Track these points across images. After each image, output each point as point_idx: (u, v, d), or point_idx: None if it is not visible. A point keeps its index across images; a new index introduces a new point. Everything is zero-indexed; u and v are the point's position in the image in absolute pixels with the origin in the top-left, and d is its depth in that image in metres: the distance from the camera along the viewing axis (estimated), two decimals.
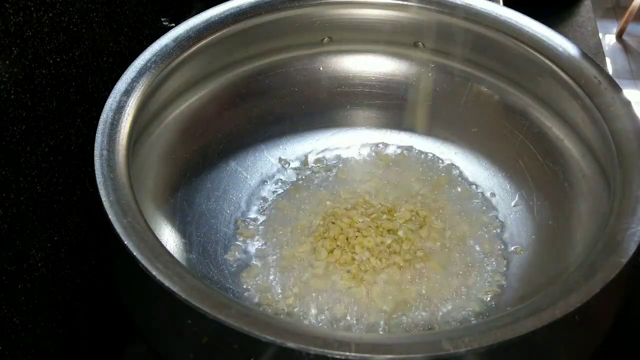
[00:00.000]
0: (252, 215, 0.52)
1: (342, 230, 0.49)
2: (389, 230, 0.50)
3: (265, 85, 0.55)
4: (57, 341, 0.44)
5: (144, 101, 0.42)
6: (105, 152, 0.38)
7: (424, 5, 0.50)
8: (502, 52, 0.50)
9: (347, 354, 0.28)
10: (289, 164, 0.56)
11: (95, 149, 0.38)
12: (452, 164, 0.55)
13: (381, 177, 0.54)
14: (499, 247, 0.49)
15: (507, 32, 0.48)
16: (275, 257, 0.48)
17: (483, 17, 0.49)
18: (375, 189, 0.53)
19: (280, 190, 0.54)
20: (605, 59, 0.73)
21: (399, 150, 0.57)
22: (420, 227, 0.50)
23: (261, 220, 0.51)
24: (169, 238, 0.47)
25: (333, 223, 0.49)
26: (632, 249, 0.34)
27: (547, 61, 0.46)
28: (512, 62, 0.50)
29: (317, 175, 0.55)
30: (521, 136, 0.52)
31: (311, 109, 0.57)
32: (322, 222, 0.50)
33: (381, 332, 0.44)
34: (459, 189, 0.54)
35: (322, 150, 0.57)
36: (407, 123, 0.58)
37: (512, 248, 0.49)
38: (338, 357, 0.29)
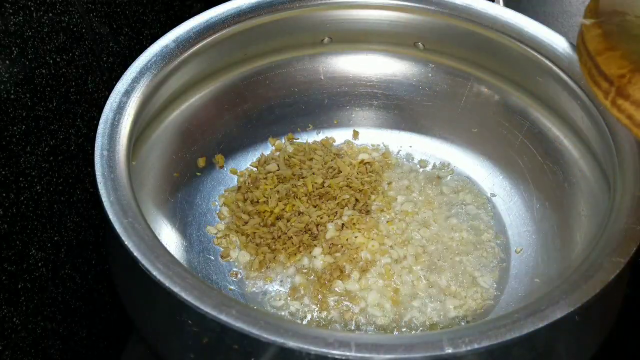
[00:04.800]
0: None
1: (340, 228, 0.49)
2: (388, 230, 0.50)
3: (265, 85, 0.55)
4: (57, 341, 0.44)
5: (144, 101, 0.42)
6: (105, 152, 0.38)
7: (423, 6, 0.50)
8: (502, 52, 0.50)
9: (348, 354, 0.28)
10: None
11: (96, 149, 0.38)
12: (452, 164, 0.56)
13: (381, 177, 0.54)
14: (498, 247, 0.49)
15: (507, 32, 0.48)
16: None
17: (483, 18, 0.49)
18: (375, 189, 0.53)
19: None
20: None
21: (398, 151, 0.57)
22: (420, 227, 0.50)
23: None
24: (169, 238, 0.47)
25: (332, 222, 0.50)
26: (632, 249, 0.34)
27: (547, 61, 0.46)
28: (512, 62, 0.50)
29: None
30: (521, 136, 0.52)
31: (311, 109, 0.58)
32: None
33: (381, 332, 0.44)
34: (459, 189, 0.54)
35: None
36: (407, 123, 0.58)
37: (512, 248, 0.49)
38: (338, 357, 0.29)
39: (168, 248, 0.34)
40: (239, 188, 0.53)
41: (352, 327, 0.44)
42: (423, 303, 0.45)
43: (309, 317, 0.45)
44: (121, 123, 0.40)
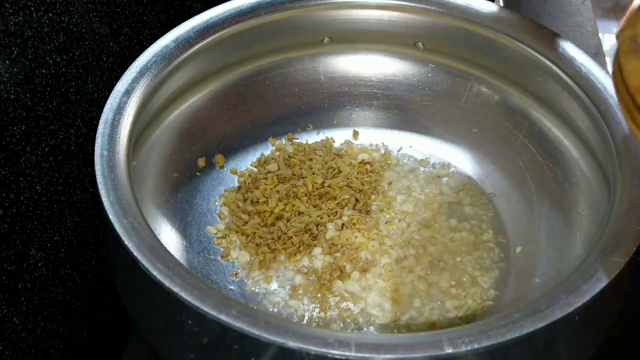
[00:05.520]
0: None
1: (340, 228, 0.49)
2: (388, 230, 0.50)
3: (265, 85, 0.55)
4: (57, 341, 0.44)
5: (144, 101, 0.42)
6: (105, 152, 0.38)
7: (423, 6, 0.50)
8: (502, 52, 0.50)
9: (348, 354, 0.28)
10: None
11: (96, 149, 0.38)
12: (452, 164, 0.56)
13: (381, 177, 0.54)
14: (498, 247, 0.49)
15: (507, 32, 0.48)
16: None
17: (483, 18, 0.49)
18: (375, 189, 0.53)
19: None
20: (605, 59, 0.73)
21: (398, 151, 0.57)
22: (420, 227, 0.50)
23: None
24: (169, 238, 0.47)
25: (332, 222, 0.50)
26: (632, 249, 0.34)
27: (547, 61, 0.46)
28: (512, 62, 0.50)
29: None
30: (521, 136, 0.52)
31: (311, 109, 0.58)
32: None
33: (381, 332, 0.44)
34: (459, 189, 0.54)
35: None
36: (407, 123, 0.58)
37: (512, 248, 0.49)
38: (338, 357, 0.29)
39: (168, 248, 0.34)
40: (239, 188, 0.53)
41: (352, 327, 0.44)
42: (423, 303, 0.45)
43: (308, 317, 0.45)
44: (121, 123, 0.40)
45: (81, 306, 0.46)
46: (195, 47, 0.46)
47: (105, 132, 0.39)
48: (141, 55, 0.44)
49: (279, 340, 0.29)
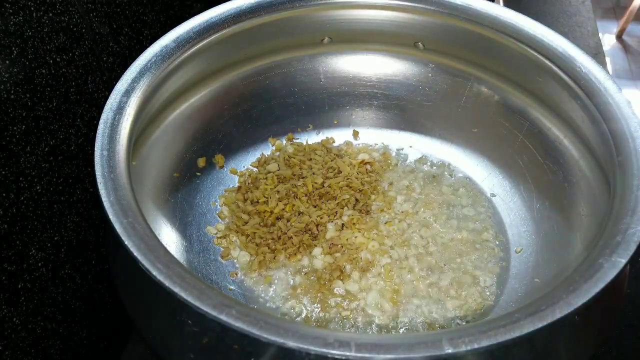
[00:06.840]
0: None
1: (340, 228, 0.49)
2: (389, 231, 0.50)
3: (265, 85, 0.56)
4: (57, 341, 0.44)
5: (144, 101, 0.42)
6: (105, 153, 0.37)
7: (423, 6, 0.50)
8: (502, 52, 0.50)
9: (348, 354, 0.28)
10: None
11: (96, 149, 0.38)
12: (452, 164, 0.56)
13: (381, 177, 0.54)
14: (498, 247, 0.49)
15: (507, 32, 0.48)
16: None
17: (483, 18, 0.49)
18: (375, 189, 0.53)
19: None
20: (605, 59, 0.73)
21: (398, 151, 0.57)
22: (421, 227, 0.50)
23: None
24: (169, 238, 0.47)
25: (332, 222, 0.50)
26: (632, 249, 0.33)
27: (547, 61, 0.46)
28: (512, 62, 0.50)
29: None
30: (521, 136, 0.52)
31: (311, 109, 0.58)
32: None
33: (381, 332, 0.44)
34: (459, 189, 0.54)
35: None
36: (407, 123, 0.58)
37: (512, 248, 0.49)
38: (338, 357, 0.29)
39: (168, 248, 0.34)
40: (239, 188, 0.53)
41: (352, 327, 0.44)
42: (423, 303, 0.45)
43: (308, 316, 0.45)
44: (121, 123, 0.40)
45: (81, 306, 0.46)
46: (195, 47, 0.46)
47: (105, 132, 0.39)
48: (141, 55, 0.44)
49: (279, 340, 0.29)
